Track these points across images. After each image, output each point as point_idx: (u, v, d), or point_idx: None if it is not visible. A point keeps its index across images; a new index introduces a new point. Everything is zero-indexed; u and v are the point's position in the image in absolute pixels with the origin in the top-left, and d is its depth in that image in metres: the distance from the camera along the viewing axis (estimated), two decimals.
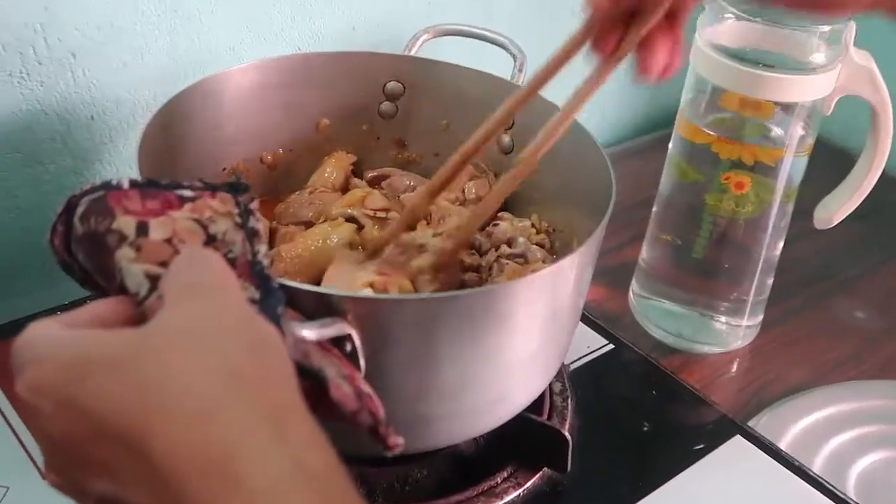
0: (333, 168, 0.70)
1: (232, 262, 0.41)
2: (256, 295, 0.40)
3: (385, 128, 0.72)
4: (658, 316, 0.80)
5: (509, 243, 0.64)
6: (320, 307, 0.45)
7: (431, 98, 0.70)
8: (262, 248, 0.43)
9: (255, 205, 0.46)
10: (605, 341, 0.75)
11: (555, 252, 0.66)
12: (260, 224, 0.44)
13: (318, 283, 0.57)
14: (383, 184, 0.71)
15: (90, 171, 0.73)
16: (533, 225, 0.67)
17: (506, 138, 0.69)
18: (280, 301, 0.39)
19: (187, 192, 0.44)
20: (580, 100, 0.50)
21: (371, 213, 0.65)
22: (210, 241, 0.42)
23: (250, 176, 0.68)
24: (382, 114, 0.72)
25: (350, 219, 0.64)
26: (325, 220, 0.64)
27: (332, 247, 0.61)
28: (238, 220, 0.43)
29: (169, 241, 0.41)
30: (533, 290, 0.50)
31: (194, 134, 0.63)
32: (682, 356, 0.78)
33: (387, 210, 0.66)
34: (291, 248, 0.60)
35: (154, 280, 0.39)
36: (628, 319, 0.81)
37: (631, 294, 0.83)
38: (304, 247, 0.61)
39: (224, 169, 0.67)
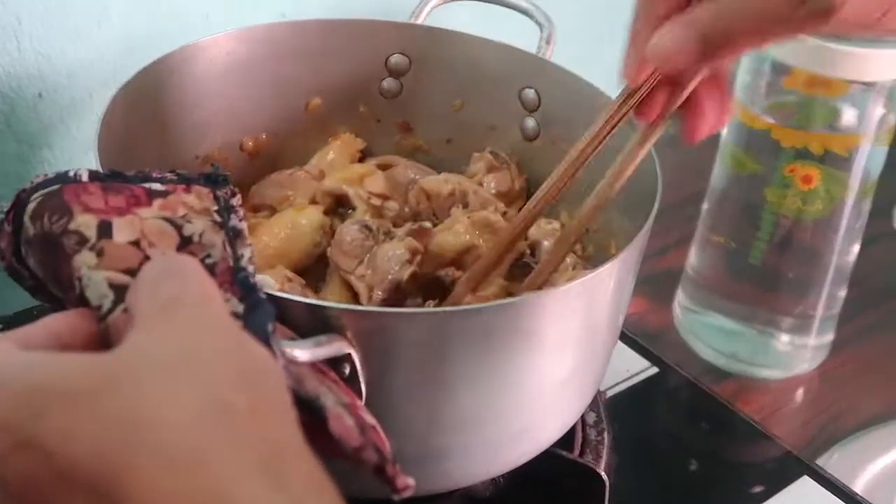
0: (338, 153, 0.70)
1: (210, 269, 0.41)
2: (240, 308, 0.40)
3: (387, 109, 0.72)
4: (709, 333, 0.79)
5: (532, 250, 0.64)
6: (313, 322, 0.44)
7: (442, 74, 0.70)
8: (247, 251, 0.43)
9: (236, 200, 0.46)
10: (646, 363, 0.75)
11: (588, 257, 0.66)
12: (243, 223, 0.44)
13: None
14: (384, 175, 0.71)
15: (37, 157, 0.73)
16: (563, 225, 0.67)
17: (530, 122, 0.69)
18: (270, 316, 0.39)
19: (157, 186, 0.44)
20: (627, 166, 0.53)
21: (366, 196, 0.65)
22: (185, 243, 0.42)
23: (228, 165, 0.67)
24: (384, 92, 0.72)
25: (339, 198, 0.65)
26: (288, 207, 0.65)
27: (303, 234, 0.62)
28: (217, 218, 0.43)
29: (136, 243, 0.41)
30: (565, 304, 0.50)
31: (162, 116, 0.63)
32: (738, 381, 0.78)
33: (386, 198, 0.66)
34: (255, 242, 0.60)
35: (119, 290, 0.39)
36: (673, 337, 0.81)
37: (676, 307, 0.83)
38: (270, 237, 0.61)
39: (197, 157, 0.66)
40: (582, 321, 0.52)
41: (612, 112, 0.52)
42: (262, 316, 0.39)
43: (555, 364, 0.52)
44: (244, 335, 0.36)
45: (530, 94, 0.68)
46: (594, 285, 0.51)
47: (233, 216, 0.44)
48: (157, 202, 0.43)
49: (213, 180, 0.45)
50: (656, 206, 0.54)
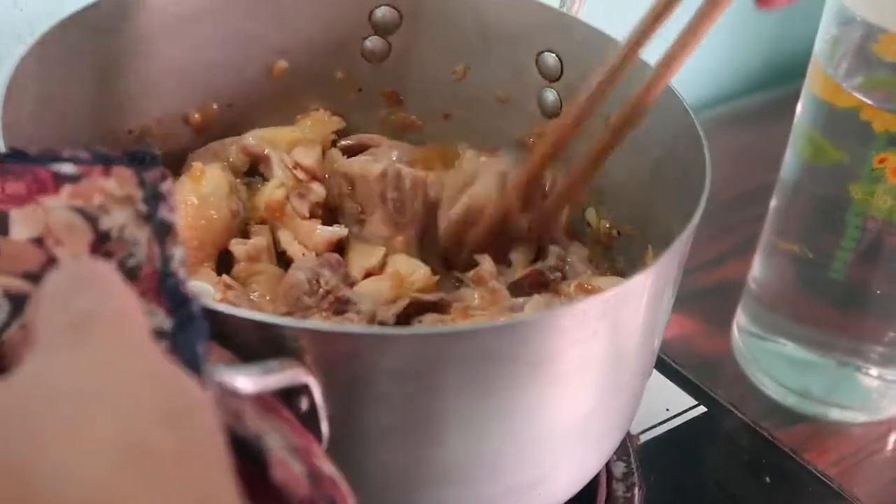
0: (306, 134, 0.70)
1: (133, 273, 0.41)
2: (167, 323, 0.40)
3: (371, 75, 0.72)
4: (775, 364, 0.79)
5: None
6: (263, 343, 0.44)
7: (441, 32, 0.70)
8: (178, 251, 0.42)
9: (167, 186, 0.45)
10: (692, 401, 0.75)
11: (617, 265, 0.66)
12: (175, 215, 0.44)
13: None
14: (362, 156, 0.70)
15: None
16: (589, 224, 0.67)
17: (550, 94, 0.69)
18: (202, 334, 0.39)
19: (68, 168, 0.43)
20: (683, 50, 0.58)
21: (292, 165, 0.66)
22: (101, 241, 0.42)
23: (170, 141, 0.68)
24: (367, 54, 0.72)
25: (257, 159, 0.66)
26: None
27: (217, 210, 0.62)
28: (142, 208, 0.43)
29: (39, 241, 0.41)
30: (584, 324, 0.49)
31: (88, 79, 0.63)
32: (811, 426, 0.78)
33: (314, 178, 0.66)
34: None
35: (16, 301, 0.39)
36: (730, 369, 0.81)
37: (735, 331, 0.83)
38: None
39: (131, 131, 0.67)
40: (605, 346, 0.51)
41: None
42: (193, 333, 0.39)
43: (571, 400, 0.52)
44: (167, 363, 0.36)
45: (551, 59, 0.68)
46: (621, 302, 0.50)
47: (162, 206, 0.43)
48: (67, 188, 0.43)
49: (138, 159, 0.44)
50: (703, 202, 0.53)
